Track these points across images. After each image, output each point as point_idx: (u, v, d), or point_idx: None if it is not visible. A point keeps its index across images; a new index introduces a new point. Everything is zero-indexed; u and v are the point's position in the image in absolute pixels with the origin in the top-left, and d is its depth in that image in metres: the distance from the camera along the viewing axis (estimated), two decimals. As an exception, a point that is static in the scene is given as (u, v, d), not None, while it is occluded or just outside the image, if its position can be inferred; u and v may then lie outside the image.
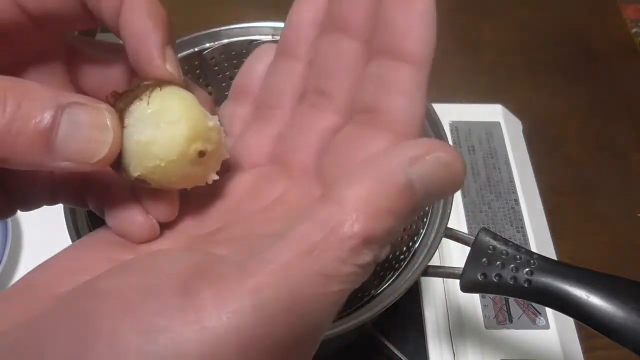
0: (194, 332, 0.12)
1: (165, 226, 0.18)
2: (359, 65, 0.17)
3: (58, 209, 0.33)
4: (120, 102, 0.16)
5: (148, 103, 0.16)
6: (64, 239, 0.31)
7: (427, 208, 0.36)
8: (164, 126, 0.16)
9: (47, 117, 0.14)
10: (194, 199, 0.19)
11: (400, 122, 0.15)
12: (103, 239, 0.18)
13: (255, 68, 0.22)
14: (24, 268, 0.44)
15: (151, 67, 0.17)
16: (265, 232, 0.15)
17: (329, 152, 0.17)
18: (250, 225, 0.16)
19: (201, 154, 0.17)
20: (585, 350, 0.41)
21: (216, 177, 0.18)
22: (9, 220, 0.43)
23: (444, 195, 0.14)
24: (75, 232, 0.32)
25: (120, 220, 0.18)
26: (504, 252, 0.30)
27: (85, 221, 0.33)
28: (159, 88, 0.17)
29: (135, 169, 0.16)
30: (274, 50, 0.21)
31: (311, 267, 0.12)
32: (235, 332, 0.12)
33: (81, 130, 0.14)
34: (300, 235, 0.13)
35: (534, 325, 0.41)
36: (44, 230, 0.45)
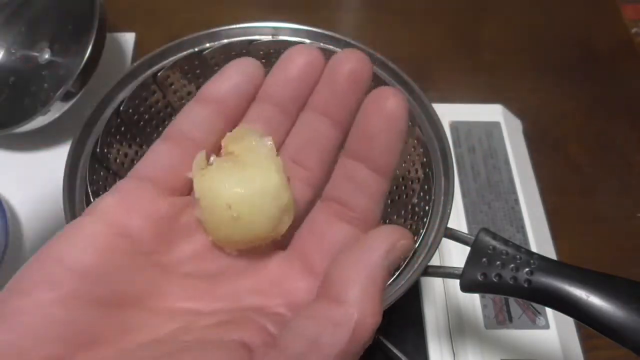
0: None
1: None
2: (334, 150, 0.20)
3: (58, 209, 0.33)
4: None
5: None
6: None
7: (427, 208, 0.36)
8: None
9: None
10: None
11: (363, 221, 0.19)
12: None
13: (231, 78, 0.21)
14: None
15: None
16: (254, 305, 0.17)
17: (305, 229, 0.19)
18: (236, 291, 0.18)
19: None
20: (585, 350, 0.41)
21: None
22: (9, 218, 0.43)
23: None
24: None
25: None
26: (504, 252, 0.30)
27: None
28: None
29: None
30: (254, 65, 0.21)
31: None
32: None
33: None
34: (330, 341, 0.15)
35: (534, 325, 0.41)
36: (43, 229, 0.45)
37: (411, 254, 0.33)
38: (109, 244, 0.17)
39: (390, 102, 0.18)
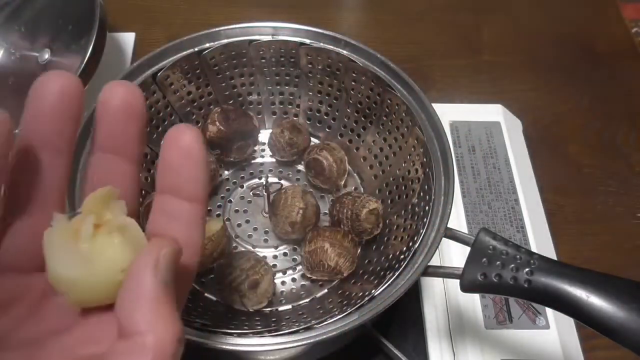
0: None
1: None
2: (134, 183, 0.21)
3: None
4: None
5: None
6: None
7: (427, 208, 0.36)
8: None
9: None
10: None
11: (187, 247, 0.19)
12: None
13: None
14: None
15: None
16: (89, 354, 0.17)
17: (125, 289, 0.19)
18: (66, 346, 0.18)
19: None
20: (585, 350, 0.41)
21: None
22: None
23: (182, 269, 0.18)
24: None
25: None
26: (504, 252, 0.30)
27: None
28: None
29: None
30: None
31: None
32: None
33: None
34: None
35: (534, 325, 0.41)
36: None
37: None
38: None
39: (185, 137, 0.19)
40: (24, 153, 0.20)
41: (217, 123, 0.43)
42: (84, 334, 0.18)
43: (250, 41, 0.43)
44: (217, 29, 0.42)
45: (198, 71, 0.43)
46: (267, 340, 0.31)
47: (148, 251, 0.17)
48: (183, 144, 0.19)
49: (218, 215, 0.44)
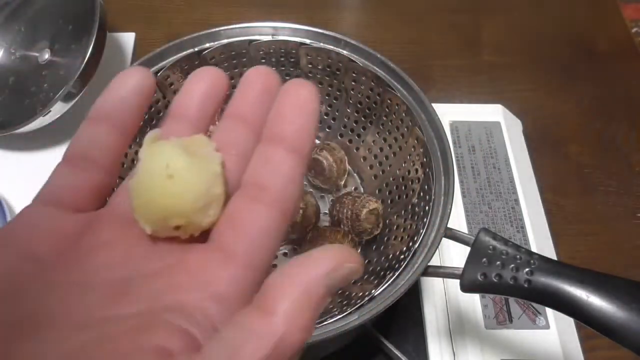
0: None
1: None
2: (249, 149, 0.20)
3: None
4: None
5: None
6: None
7: (427, 208, 0.36)
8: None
9: None
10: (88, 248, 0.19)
11: (280, 201, 0.18)
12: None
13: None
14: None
15: None
16: (173, 303, 0.16)
17: (226, 220, 0.19)
18: (153, 291, 0.17)
19: (177, 227, 0.18)
20: (585, 350, 0.41)
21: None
22: (8, 218, 0.43)
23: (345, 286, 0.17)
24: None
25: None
26: (504, 252, 0.30)
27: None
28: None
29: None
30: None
31: None
32: None
33: None
34: (249, 352, 0.15)
35: (534, 325, 0.41)
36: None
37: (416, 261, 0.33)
38: (13, 270, 0.17)
39: (302, 89, 0.19)
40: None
41: (217, 123, 0.43)
42: (162, 280, 0.18)
43: (250, 41, 0.43)
44: (217, 29, 0.42)
45: (198, 71, 0.43)
46: (267, 340, 0.31)
47: (336, 253, 0.16)
48: (301, 96, 0.19)
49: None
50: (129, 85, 0.21)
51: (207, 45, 0.42)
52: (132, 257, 0.18)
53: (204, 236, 0.19)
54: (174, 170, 0.18)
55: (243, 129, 0.21)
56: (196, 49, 0.42)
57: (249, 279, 0.17)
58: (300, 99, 0.19)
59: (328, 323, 0.31)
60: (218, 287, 0.17)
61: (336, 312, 0.32)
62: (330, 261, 0.16)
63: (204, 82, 0.22)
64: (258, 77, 0.22)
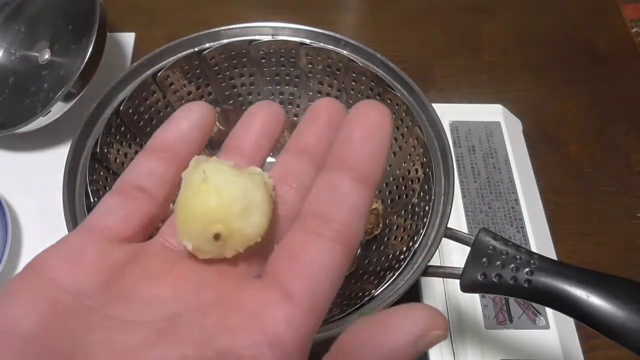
0: None
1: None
2: (311, 181, 0.19)
3: (58, 209, 0.33)
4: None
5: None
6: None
7: (427, 208, 0.36)
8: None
9: None
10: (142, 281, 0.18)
11: (344, 235, 0.17)
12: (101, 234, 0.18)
13: (180, 125, 0.21)
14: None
15: None
16: (225, 346, 0.15)
17: (279, 251, 0.17)
18: (203, 330, 0.16)
19: (216, 236, 0.17)
20: (585, 350, 0.41)
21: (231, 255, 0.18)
22: (8, 218, 0.43)
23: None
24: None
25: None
26: (504, 252, 0.30)
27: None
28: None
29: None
30: (202, 109, 0.21)
31: None
32: None
33: None
34: None
35: (534, 325, 0.41)
36: (43, 229, 0.45)
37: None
38: (54, 304, 0.16)
39: (374, 112, 0.17)
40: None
41: (217, 123, 0.43)
42: (213, 319, 0.16)
43: (250, 41, 0.43)
44: (217, 29, 0.42)
45: (198, 71, 0.43)
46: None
47: (424, 316, 0.15)
48: (371, 119, 0.17)
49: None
50: (191, 119, 0.21)
51: (207, 45, 0.42)
52: (180, 292, 0.17)
53: (255, 266, 0.18)
54: (209, 173, 0.17)
55: (305, 161, 0.20)
56: (196, 49, 0.42)
57: (308, 322, 0.15)
58: (372, 122, 0.17)
59: (328, 323, 0.31)
60: (275, 331, 0.15)
61: (336, 312, 0.32)
62: (419, 326, 0.14)
63: (260, 118, 0.22)
64: (323, 108, 0.21)
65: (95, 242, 0.18)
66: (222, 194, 0.17)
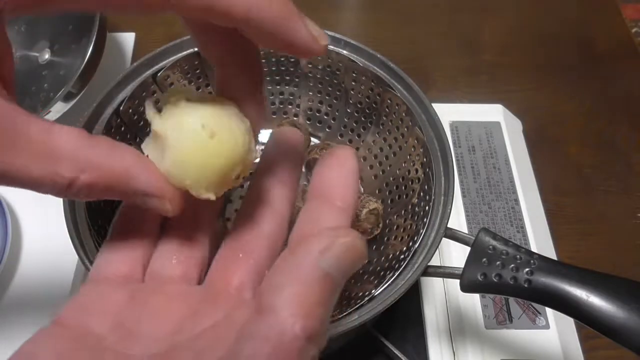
0: None
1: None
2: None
3: (58, 209, 0.33)
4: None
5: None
6: (64, 240, 0.31)
7: (427, 208, 0.36)
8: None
9: None
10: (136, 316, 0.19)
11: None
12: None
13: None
14: (24, 267, 0.44)
15: (298, 36, 0.20)
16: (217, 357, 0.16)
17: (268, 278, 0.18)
18: (199, 349, 0.17)
19: (237, 175, 0.20)
20: (585, 350, 0.41)
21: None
22: (9, 218, 0.43)
23: (355, 269, 0.17)
24: (75, 230, 0.32)
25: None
26: (504, 252, 0.30)
27: (85, 221, 0.33)
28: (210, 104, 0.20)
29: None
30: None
31: None
32: None
33: None
34: (250, 355, 0.14)
35: (534, 325, 0.41)
36: (43, 230, 0.45)
37: (413, 254, 0.33)
38: (72, 349, 0.17)
39: (349, 161, 0.20)
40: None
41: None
42: (222, 335, 0.17)
43: (250, 41, 0.43)
44: (217, 29, 0.42)
45: (198, 71, 0.43)
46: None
47: (325, 233, 0.16)
48: (347, 166, 0.20)
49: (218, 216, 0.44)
50: None
51: (207, 45, 0.42)
52: (177, 322, 0.19)
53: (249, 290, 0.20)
54: (212, 129, 0.19)
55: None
56: (196, 49, 0.42)
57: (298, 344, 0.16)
58: (349, 168, 0.20)
59: (328, 323, 0.31)
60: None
61: (336, 312, 0.32)
62: (319, 243, 0.15)
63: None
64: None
65: (102, 289, 0.20)
66: (237, 142, 0.19)
